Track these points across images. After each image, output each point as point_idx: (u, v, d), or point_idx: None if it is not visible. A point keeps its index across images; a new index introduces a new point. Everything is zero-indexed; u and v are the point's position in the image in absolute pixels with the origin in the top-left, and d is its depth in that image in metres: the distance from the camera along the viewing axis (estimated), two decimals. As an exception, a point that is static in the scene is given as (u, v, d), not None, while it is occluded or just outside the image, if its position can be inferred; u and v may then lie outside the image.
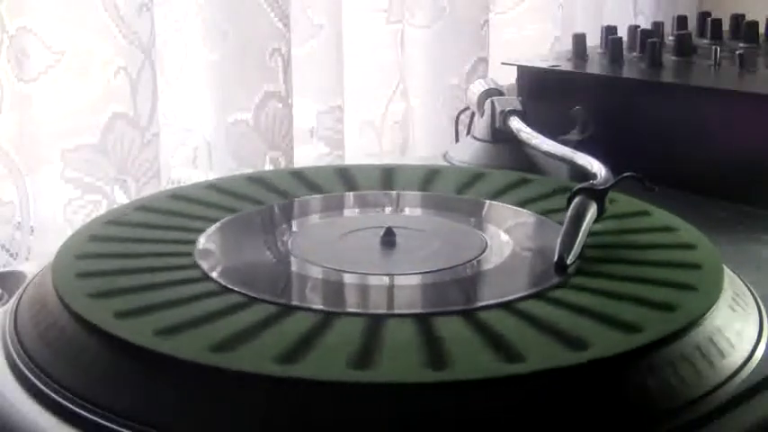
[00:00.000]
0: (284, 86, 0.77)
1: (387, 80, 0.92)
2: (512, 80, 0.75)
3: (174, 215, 0.50)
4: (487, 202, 0.53)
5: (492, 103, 0.67)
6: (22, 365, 0.38)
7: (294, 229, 0.50)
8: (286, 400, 0.33)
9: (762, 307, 0.43)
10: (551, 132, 0.64)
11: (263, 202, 0.53)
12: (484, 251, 0.46)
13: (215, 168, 0.77)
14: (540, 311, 0.39)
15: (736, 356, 0.38)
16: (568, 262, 0.43)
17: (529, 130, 0.64)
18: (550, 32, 1.07)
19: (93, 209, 0.68)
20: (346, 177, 0.57)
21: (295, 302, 0.40)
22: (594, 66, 0.73)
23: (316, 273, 0.44)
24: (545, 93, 0.73)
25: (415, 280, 0.43)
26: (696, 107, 0.65)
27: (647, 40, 0.73)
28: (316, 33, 0.83)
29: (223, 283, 0.41)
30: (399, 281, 0.43)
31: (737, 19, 0.83)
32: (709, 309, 0.39)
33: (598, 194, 0.47)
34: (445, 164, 0.68)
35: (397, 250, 0.46)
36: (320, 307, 0.40)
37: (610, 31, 0.78)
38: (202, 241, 0.47)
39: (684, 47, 0.75)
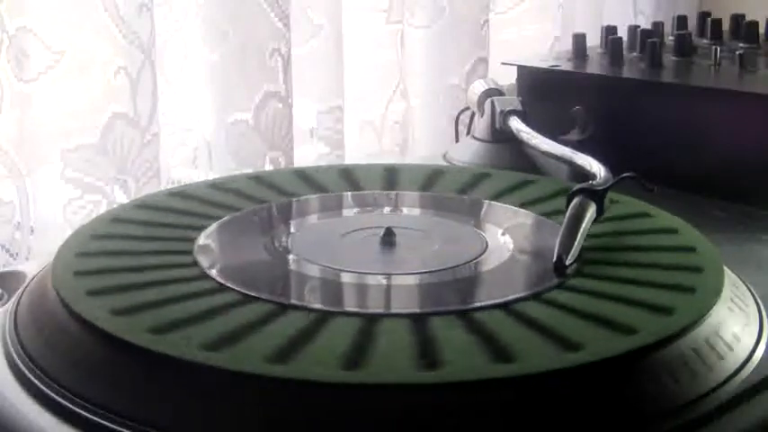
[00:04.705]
0: (284, 86, 0.77)
1: (387, 80, 0.92)
2: (512, 80, 0.75)
3: (176, 213, 0.50)
4: (487, 202, 0.53)
5: (492, 103, 0.67)
6: (22, 365, 0.38)
7: (293, 228, 0.50)
8: (275, 400, 0.33)
9: (762, 307, 0.43)
10: (551, 132, 0.64)
11: (267, 201, 0.53)
12: (484, 252, 0.46)
13: (215, 168, 0.77)
14: (537, 313, 0.39)
15: (736, 356, 0.38)
16: (567, 262, 0.43)
17: (529, 130, 0.64)
18: (550, 32, 1.07)
19: (93, 209, 0.69)
20: (350, 177, 0.57)
21: (291, 301, 0.40)
22: (594, 66, 0.73)
23: (313, 272, 0.44)
24: (545, 93, 0.73)
25: (412, 280, 0.43)
26: (696, 107, 0.65)
27: (647, 40, 0.73)
28: (316, 33, 0.83)
29: (220, 281, 0.41)
30: (396, 281, 0.43)
31: (737, 19, 0.83)
32: (707, 313, 0.39)
33: (597, 194, 0.47)
34: (446, 163, 0.68)
35: (396, 250, 0.46)
36: (316, 306, 0.40)
37: (610, 31, 0.78)
38: (202, 240, 0.47)
39: (684, 47, 0.75)
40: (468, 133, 0.75)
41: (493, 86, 0.70)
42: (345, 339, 0.36)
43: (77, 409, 0.35)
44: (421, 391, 0.33)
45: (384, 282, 0.43)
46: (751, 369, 0.38)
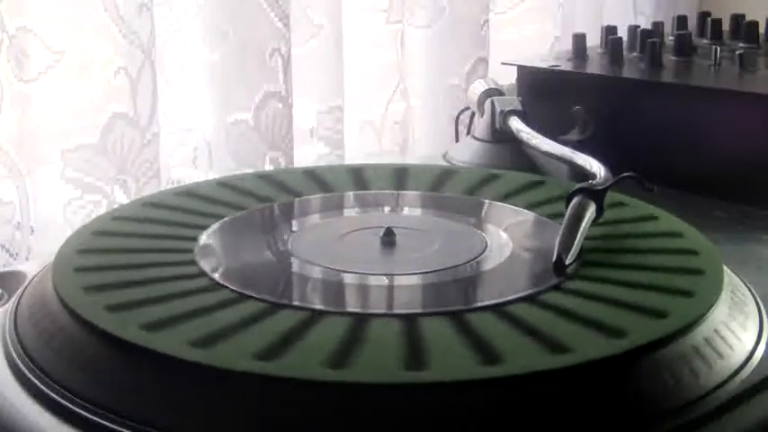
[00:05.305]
0: (284, 86, 0.77)
1: (387, 80, 0.92)
2: (512, 80, 0.75)
3: (180, 212, 0.50)
4: (487, 201, 0.53)
5: (492, 103, 0.67)
6: (22, 365, 0.38)
7: (294, 228, 0.50)
8: (259, 397, 0.33)
9: (762, 307, 0.43)
10: (551, 132, 0.64)
11: (273, 199, 0.53)
12: (483, 252, 0.46)
13: (215, 168, 0.77)
14: (529, 315, 0.39)
15: (736, 356, 0.38)
16: (567, 262, 0.43)
17: (529, 130, 0.64)
18: (550, 32, 1.07)
19: (93, 209, 0.69)
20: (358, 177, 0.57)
21: (284, 300, 0.40)
22: (594, 66, 0.73)
23: (309, 271, 0.44)
24: (545, 93, 0.73)
25: (407, 280, 0.43)
26: (696, 107, 0.65)
27: (647, 40, 0.73)
28: (316, 33, 0.83)
29: (217, 280, 0.41)
30: (391, 281, 0.43)
31: (737, 19, 0.83)
32: (703, 315, 0.39)
33: (597, 194, 0.47)
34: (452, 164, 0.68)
35: (395, 250, 0.46)
36: (308, 305, 0.40)
37: (610, 31, 0.78)
38: (203, 239, 0.47)
39: (684, 47, 0.75)
40: (468, 133, 0.75)
41: (493, 86, 0.70)
42: (395, 341, 0.36)
43: (77, 409, 0.35)
44: (486, 388, 0.34)
45: (414, 281, 0.43)
46: (751, 369, 0.38)
